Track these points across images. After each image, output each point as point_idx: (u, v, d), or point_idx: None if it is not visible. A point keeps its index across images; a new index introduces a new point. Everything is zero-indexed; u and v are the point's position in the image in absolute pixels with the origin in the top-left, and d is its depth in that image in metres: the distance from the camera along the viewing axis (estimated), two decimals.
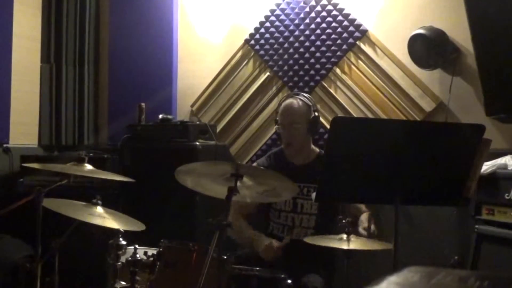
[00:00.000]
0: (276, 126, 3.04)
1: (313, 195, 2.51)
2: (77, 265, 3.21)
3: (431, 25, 3.24)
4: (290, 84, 3.74)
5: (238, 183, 2.05)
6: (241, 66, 3.93)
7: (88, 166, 2.47)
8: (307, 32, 3.68)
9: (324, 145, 3.39)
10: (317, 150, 3.05)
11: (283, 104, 2.99)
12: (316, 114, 3.00)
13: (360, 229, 2.61)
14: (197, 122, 3.80)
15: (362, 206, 2.88)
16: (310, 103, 2.98)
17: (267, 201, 2.83)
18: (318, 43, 3.65)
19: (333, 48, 3.61)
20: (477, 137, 2.05)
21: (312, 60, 3.67)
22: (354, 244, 2.28)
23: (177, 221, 3.22)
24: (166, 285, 2.27)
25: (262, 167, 2.99)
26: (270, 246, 2.69)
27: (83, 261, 3.27)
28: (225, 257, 2.15)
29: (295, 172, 2.76)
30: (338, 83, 3.61)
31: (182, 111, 4.09)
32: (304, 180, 2.84)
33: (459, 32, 3.17)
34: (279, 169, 2.80)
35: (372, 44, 3.52)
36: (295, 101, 2.96)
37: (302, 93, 3.11)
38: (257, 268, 2.24)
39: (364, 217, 2.73)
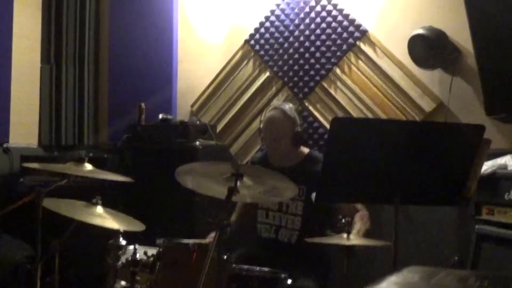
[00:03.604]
0: (261, 137, 2.97)
1: (313, 195, 2.51)
2: (77, 265, 3.21)
3: (431, 25, 3.23)
4: (290, 84, 3.74)
5: (238, 183, 2.05)
6: (241, 66, 3.93)
7: (88, 166, 2.47)
8: (307, 32, 3.68)
9: (324, 145, 3.39)
10: (306, 150, 2.97)
11: (266, 117, 2.86)
12: (300, 128, 2.85)
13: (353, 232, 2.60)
14: (197, 122, 3.80)
15: (358, 204, 2.84)
16: (293, 116, 2.82)
17: (267, 201, 2.82)
18: (318, 43, 3.65)
19: (333, 48, 3.61)
20: (477, 137, 2.06)
21: (312, 60, 3.66)
22: (354, 243, 2.28)
23: (177, 221, 3.22)
24: (166, 285, 2.27)
25: (254, 162, 3.04)
26: None
27: (83, 261, 3.27)
28: (225, 257, 2.15)
29: (283, 172, 2.74)
30: (338, 83, 3.61)
31: (182, 111, 4.09)
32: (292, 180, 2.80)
33: (459, 32, 3.17)
34: (269, 166, 2.80)
35: (372, 44, 3.52)
36: (277, 116, 2.81)
37: (287, 105, 2.93)
38: (257, 268, 2.24)
39: (357, 219, 2.70)
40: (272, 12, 3.80)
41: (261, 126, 2.89)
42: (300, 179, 2.76)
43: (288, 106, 2.89)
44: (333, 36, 3.61)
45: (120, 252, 2.34)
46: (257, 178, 2.18)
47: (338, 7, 3.60)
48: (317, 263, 2.77)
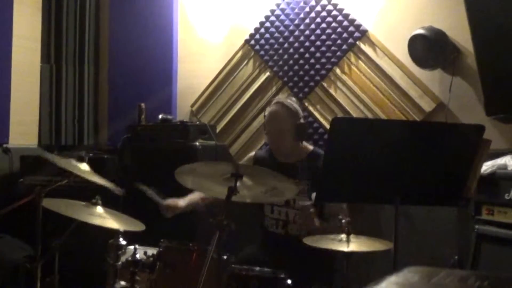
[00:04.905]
0: (265, 132, 3.01)
1: (313, 195, 2.51)
2: (77, 265, 3.21)
3: (431, 25, 3.24)
4: (290, 84, 3.74)
5: (238, 183, 2.05)
6: (241, 66, 3.93)
7: (86, 167, 2.47)
8: (307, 32, 3.68)
9: (324, 145, 3.39)
10: (310, 147, 3.01)
11: (268, 112, 2.95)
12: (303, 120, 2.95)
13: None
14: (197, 122, 3.80)
15: (343, 205, 2.82)
16: (295, 109, 2.91)
17: (267, 201, 2.83)
18: (318, 43, 3.65)
19: (333, 48, 3.61)
20: (477, 137, 2.06)
21: (312, 60, 3.66)
22: (353, 245, 2.28)
23: (177, 221, 3.22)
24: (166, 285, 2.27)
25: (258, 158, 3.06)
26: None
27: (83, 261, 3.26)
28: (225, 257, 2.15)
29: (287, 169, 2.76)
30: (338, 83, 3.61)
31: (182, 111, 4.09)
32: (296, 177, 2.81)
33: (459, 32, 3.17)
34: (272, 164, 2.81)
35: (372, 44, 3.52)
36: (279, 109, 2.89)
37: (289, 99, 3.02)
38: (257, 268, 2.24)
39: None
40: (272, 12, 3.80)
41: (265, 121, 2.94)
42: (305, 175, 2.79)
43: (290, 100, 2.98)
44: (333, 36, 3.61)
45: (120, 252, 2.34)
46: (257, 178, 2.18)
47: (338, 7, 3.60)
48: (323, 260, 2.76)
